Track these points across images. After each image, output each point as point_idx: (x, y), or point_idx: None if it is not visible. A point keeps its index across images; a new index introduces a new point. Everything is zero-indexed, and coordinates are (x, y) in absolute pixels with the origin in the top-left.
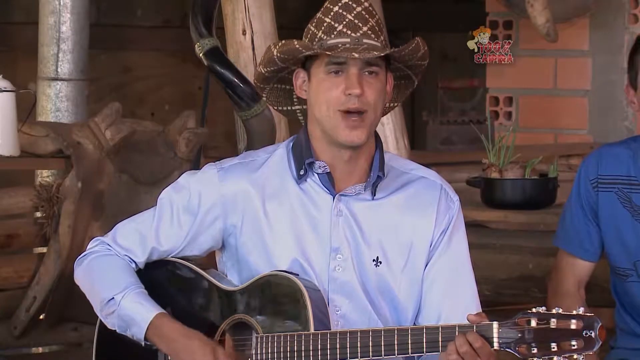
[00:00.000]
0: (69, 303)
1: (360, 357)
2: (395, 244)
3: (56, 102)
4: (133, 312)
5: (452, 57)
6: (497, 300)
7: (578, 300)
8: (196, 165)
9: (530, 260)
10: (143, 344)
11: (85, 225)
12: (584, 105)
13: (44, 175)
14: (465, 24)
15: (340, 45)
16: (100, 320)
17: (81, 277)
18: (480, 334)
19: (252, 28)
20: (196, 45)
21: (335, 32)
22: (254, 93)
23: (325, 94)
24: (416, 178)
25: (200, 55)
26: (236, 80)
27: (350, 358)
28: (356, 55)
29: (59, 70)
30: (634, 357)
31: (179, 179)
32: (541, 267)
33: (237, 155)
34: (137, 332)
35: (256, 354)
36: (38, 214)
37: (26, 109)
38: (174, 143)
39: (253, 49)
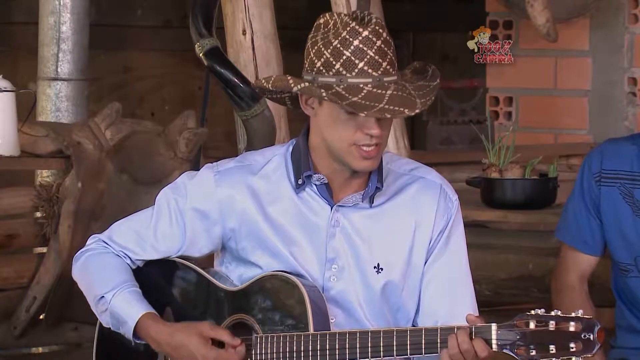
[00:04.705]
0: (69, 303)
1: (360, 358)
2: (396, 248)
3: (56, 102)
4: (122, 311)
5: (452, 57)
6: (497, 300)
7: (581, 294)
8: (196, 166)
9: (530, 261)
10: (133, 342)
11: (85, 225)
12: (584, 105)
13: (44, 175)
14: (465, 24)
15: (362, 86)
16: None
17: (77, 274)
18: (478, 336)
19: (252, 28)
20: (196, 45)
21: (356, 70)
22: (254, 93)
23: (341, 129)
24: (415, 179)
25: (200, 55)
26: (236, 80)
27: (349, 359)
28: (388, 115)
29: (59, 70)
30: (634, 356)
31: (176, 180)
32: (541, 267)
33: (235, 157)
34: (127, 332)
35: (255, 354)
36: (38, 214)
37: (26, 109)
38: (173, 143)
39: (253, 49)
